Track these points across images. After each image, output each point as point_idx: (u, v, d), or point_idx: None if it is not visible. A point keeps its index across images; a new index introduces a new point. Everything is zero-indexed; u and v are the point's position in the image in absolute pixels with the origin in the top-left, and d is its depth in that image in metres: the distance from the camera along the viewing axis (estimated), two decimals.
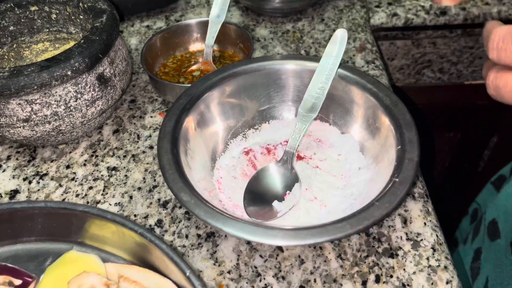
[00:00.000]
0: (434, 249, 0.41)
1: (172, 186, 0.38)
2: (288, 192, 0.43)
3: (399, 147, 0.41)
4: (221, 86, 0.48)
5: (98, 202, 0.46)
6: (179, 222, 0.44)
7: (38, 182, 0.49)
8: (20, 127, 0.46)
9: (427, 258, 0.40)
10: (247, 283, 0.39)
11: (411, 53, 0.87)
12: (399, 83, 0.92)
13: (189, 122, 0.45)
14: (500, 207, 0.55)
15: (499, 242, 0.53)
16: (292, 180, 0.44)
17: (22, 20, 0.55)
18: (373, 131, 0.46)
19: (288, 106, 0.51)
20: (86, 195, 0.47)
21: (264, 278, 0.40)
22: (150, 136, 0.53)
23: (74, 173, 0.49)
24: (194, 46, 0.64)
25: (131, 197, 0.47)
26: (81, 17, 0.54)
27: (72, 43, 0.57)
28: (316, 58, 0.48)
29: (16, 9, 0.54)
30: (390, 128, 0.43)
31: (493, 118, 0.95)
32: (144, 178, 0.48)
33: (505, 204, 0.55)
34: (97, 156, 0.51)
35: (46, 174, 0.49)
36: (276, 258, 0.41)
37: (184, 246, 0.42)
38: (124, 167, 0.50)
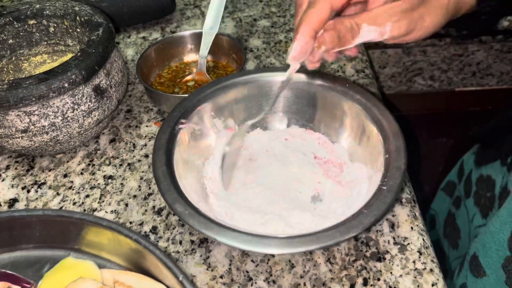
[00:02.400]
0: (420, 253, 0.42)
1: (166, 197, 0.40)
2: None
3: (387, 155, 0.42)
4: (214, 98, 0.49)
5: (94, 210, 0.48)
6: (173, 228, 0.45)
7: (36, 191, 0.50)
8: (18, 138, 0.47)
9: (414, 262, 0.42)
10: (239, 287, 0.40)
11: (402, 61, 0.89)
12: (391, 90, 0.94)
13: (183, 134, 0.46)
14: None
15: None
16: None
17: (21, 33, 0.56)
18: (362, 140, 0.48)
19: (280, 117, 0.52)
20: (83, 203, 0.48)
21: (256, 282, 0.41)
22: (145, 145, 0.54)
23: (72, 181, 0.51)
24: (189, 57, 0.65)
25: (126, 205, 0.48)
26: (78, 30, 0.55)
27: (69, 55, 0.58)
28: (307, 70, 0.49)
29: (15, 23, 0.55)
30: (378, 137, 0.45)
31: (484, 124, 0.97)
32: (139, 186, 0.50)
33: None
34: (93, 165, 0.53)
35: (44, 183, 0.51)
36: (267, 263, 0.42)
37: (178, 252, 0.43)
38: (120, 176, 0.51)
